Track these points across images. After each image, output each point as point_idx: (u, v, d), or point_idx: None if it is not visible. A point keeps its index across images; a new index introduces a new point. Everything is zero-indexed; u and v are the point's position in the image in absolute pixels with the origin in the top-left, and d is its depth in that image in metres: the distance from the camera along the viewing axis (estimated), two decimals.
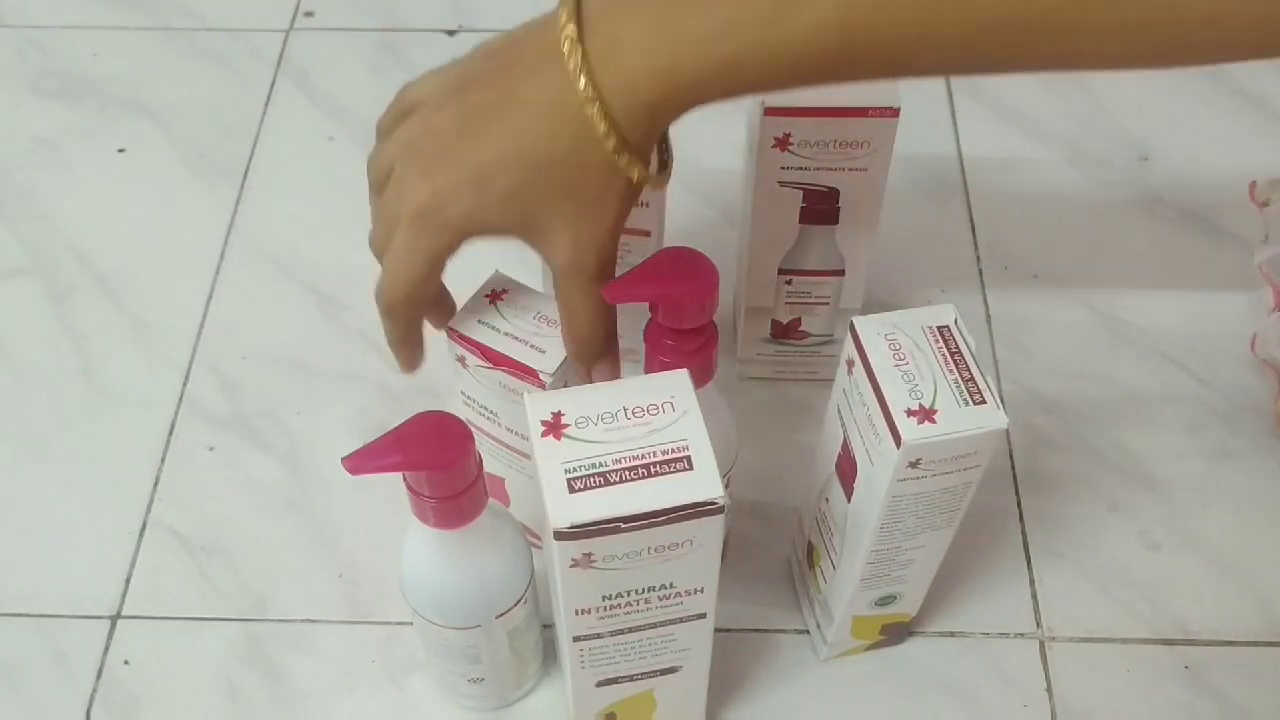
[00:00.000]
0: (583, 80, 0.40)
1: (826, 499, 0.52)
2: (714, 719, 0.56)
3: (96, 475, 0.64)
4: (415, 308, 0.47)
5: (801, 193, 0.56)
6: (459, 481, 0.44)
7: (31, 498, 0.63)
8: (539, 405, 0.43)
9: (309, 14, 0.87)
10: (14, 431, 0.66)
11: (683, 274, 0.46)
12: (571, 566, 0.41)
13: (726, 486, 0.46)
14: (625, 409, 0.42)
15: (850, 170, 0.55)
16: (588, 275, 0.45)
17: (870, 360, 0.45)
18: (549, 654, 0.57)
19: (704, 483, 0.41)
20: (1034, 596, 0.60)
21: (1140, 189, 0.76)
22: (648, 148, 0.43)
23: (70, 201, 0.76)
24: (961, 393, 0.44)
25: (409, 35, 0.86)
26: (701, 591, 0.45)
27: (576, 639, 0.45)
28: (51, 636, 0.58)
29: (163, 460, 0.64)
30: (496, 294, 0.51)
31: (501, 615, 0.50)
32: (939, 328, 0.46)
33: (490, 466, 0.55)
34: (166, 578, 0.60)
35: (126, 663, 0.58)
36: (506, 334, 0.50)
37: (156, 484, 0.64)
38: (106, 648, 0.58)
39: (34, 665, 0.57)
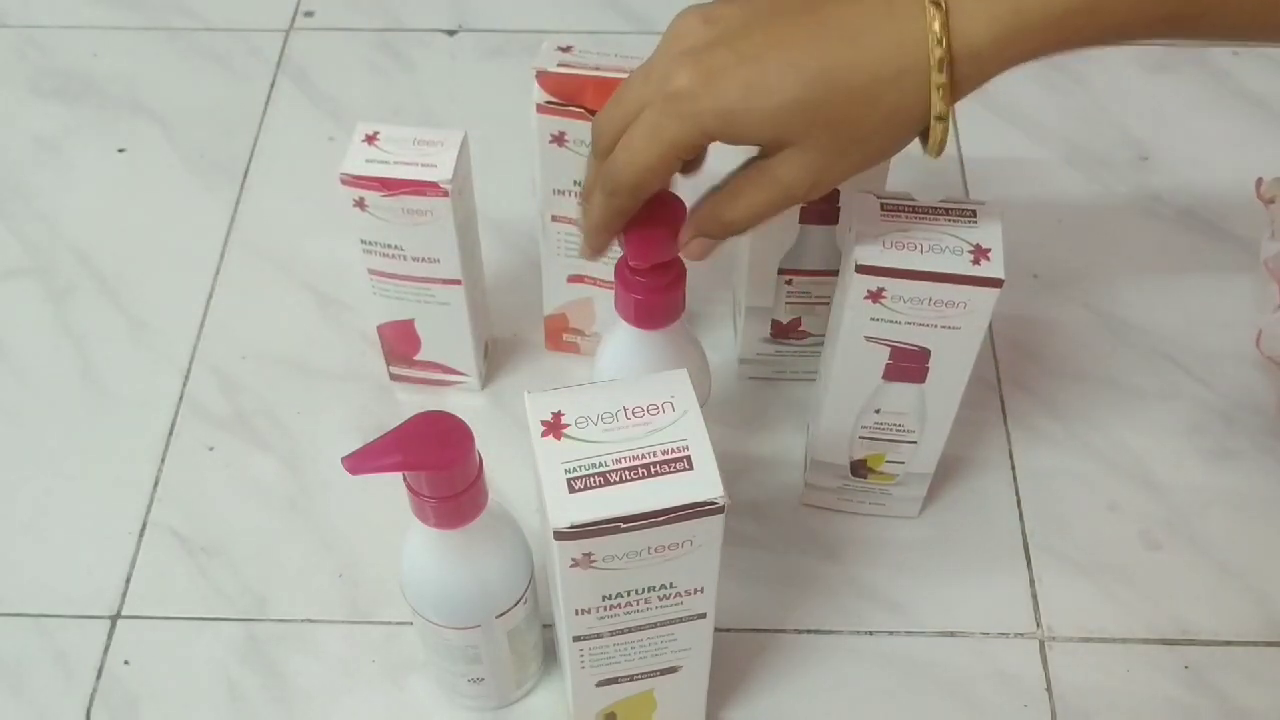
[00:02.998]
0: (934, 11, 0.40)
1: (877, 410, 0.55)
2: (714, 719, 0.56)
3: (96, 475, 0.64)
4: (637, 195, 0.45)
5: None
6: (459, 481, 0.44)
7: (31, 498, 0.63)
8: (539, 405, 0.43)
9: (309, 14, 0.87)
10: (14, 431, 0.66)
11: (652, 209, 0.47)
12: (571, 566, 0.41)
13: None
14: (625, 409, 0.42)
15: None
16: (799, 197, 0.44)
17: (901, 269, 0.48)
18: (549, 654, 0.57)
19: (704, 483, 0.41)
20: (1034, 596, 0.60)
21: (1140, 189, 0.76)
22: (958, 97, 0.42)
23: (70, 201, 0.76)
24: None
25: (409, 35, 0.85)
26: (701, 591, 0.45)
27: (576, 639, 0.45)
28: (51, 636, 0.58)
29: (163, 460, 0.64)
30: (371, 136, 0.57)
31: (501, 615, 0.50)
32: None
33: (398, 313, 0.62)
34: (166, 578, 0.60)
35: (126, 663, 0.58)
36: (396, 163, 0.56)
37: (156, 484, 0.64)
38: (106, 648, 0.58)
39: (34, 665, 0.57)
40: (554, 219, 0.60)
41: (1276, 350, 0.66)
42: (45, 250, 0.73)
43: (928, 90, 0.42)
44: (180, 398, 0.67)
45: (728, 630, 0.58)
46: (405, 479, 0.44)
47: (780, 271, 0.61)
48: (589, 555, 0.41)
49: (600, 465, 0.41)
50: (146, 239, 0.74)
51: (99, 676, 0.57)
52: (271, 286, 0.72)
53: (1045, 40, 0.41)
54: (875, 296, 0.49)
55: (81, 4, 0.87)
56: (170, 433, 0.65)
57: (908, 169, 0.76)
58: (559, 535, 0.40)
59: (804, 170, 0.43)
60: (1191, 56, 0.83)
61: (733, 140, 0.43)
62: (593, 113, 0.54)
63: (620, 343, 0.52)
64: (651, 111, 0.43)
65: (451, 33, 0.86)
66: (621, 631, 0.46)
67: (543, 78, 0.54)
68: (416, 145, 0.56)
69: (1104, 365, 0.68)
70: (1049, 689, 0.57)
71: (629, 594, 0.44)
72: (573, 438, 0.42)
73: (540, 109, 0.55)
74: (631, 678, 0.49)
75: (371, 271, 0.60)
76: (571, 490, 0.41)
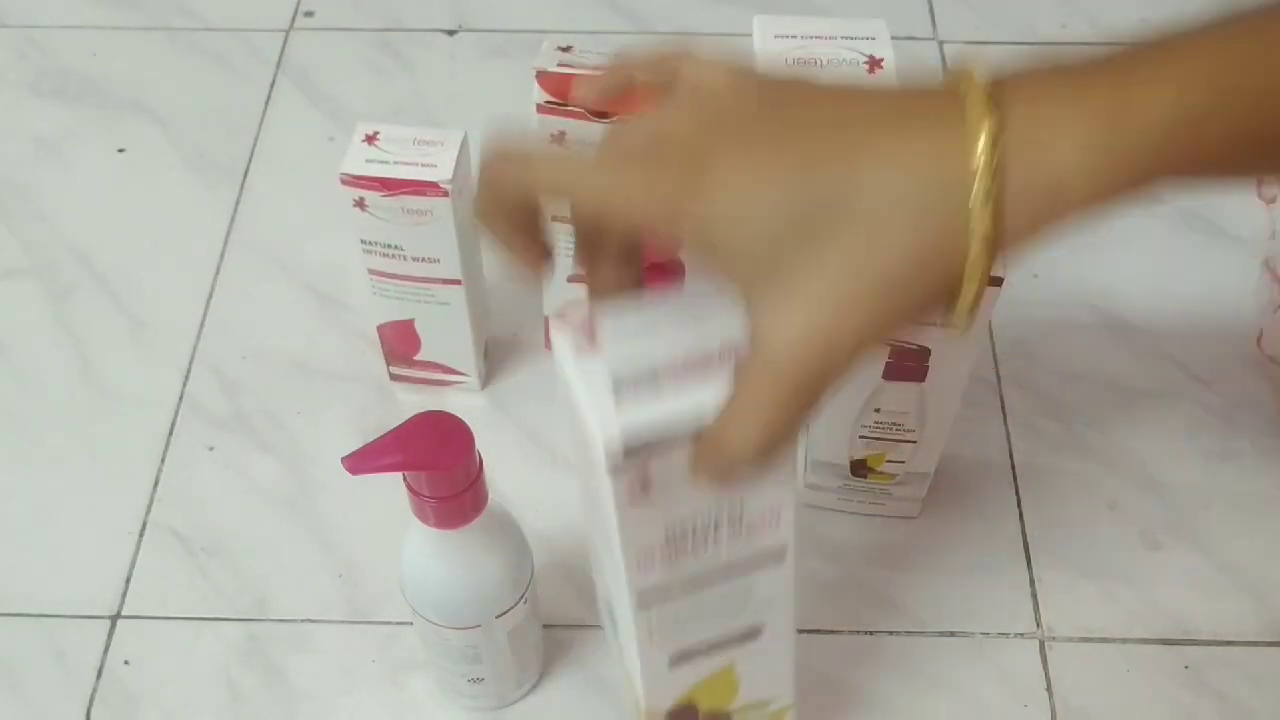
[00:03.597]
0: (983, 164, 0.31)
1: (876, 409, 0.54)
2: None
3: (96, 475, 0.64)
4: (569, 205, 0.37)
5: None
6: (459, 481, 0.44)
7: (31, 498, 0.63)
8: (569, 316, 0.38)
9: (309, 14, 0.87)
10: (14, 431, 0.66)
11: None
12: (627, 498, 0.37)
13: None
14: (665, 316, 0.38)
15: None
16: (814, 369, 0.33)
17: None
18: (549, 654, 0.57)
19: None
20: (1034, 596, 0.60)
21: None
22: (1020, 240, 0.32)
23: (70, 201, 0.76)
24: None
25: (409, 35, 0.85)
26: (778, 519, 0.40)
27: (642, 602, 0.40)
28: (51, 636, 0.58)
29: (163, 460, 0.64)
30: (371, 136, 0.57)
31: (501, 615, 0.50)
32: None
33: (398, 313, 0.62)
34: (166, 578, 0.60)
35: (126, 663, 0.58)
36: (396, 163, 0.56)
37: (156, 484, 0.64)
38: (106, 648, 0.58)
39: (34, 665, 0.57)
40: (554, 219, 0.60)
41: (1277, 350, 0.66)
42: (45, 250, 0.73)
43: (970, 208, 0.31)
44: (180, 398, 0.67)
45: None
46: (405, 479, 0.44)
47: None
48: (645, 481, 0.37)
49: (649, 370, 0.36)
50: (146, 239, 0.74)
51: (99, 676, 0.57)
52: (271, 286, 0.72)
53: (1141, 173, 0.32)
54: None
55: (81, 4, 0.87)
56: (170, 433, 0.65)
57: None
58: (611, 457, 0.35)
59: (811, 315, 0.32)
60: None
61: (708, 254, 0.34)
62: (592, 113, 0.54)
63: None
64: (649, 161, 0.34)
65: (451, 33, 0.86)
66: (693, 586, 0.41)
67: (543, 78, 0.54)
68: (416, 145, 0.56)
69: (1104, 365, 0.68)
70: (1049, 689, 0.57)
71: (695, 528, 0.39)
72: (611, 347, 0.37)
73: (540, 109, 0.55)
74: (710, 648, 0.44)
75: (371, 271, 0.60)
76: (620, 405, 0.35)
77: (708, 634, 0.43)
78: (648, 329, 0.37)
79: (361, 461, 0.42)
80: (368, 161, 0.56)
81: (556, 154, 0.37)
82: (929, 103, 0.33)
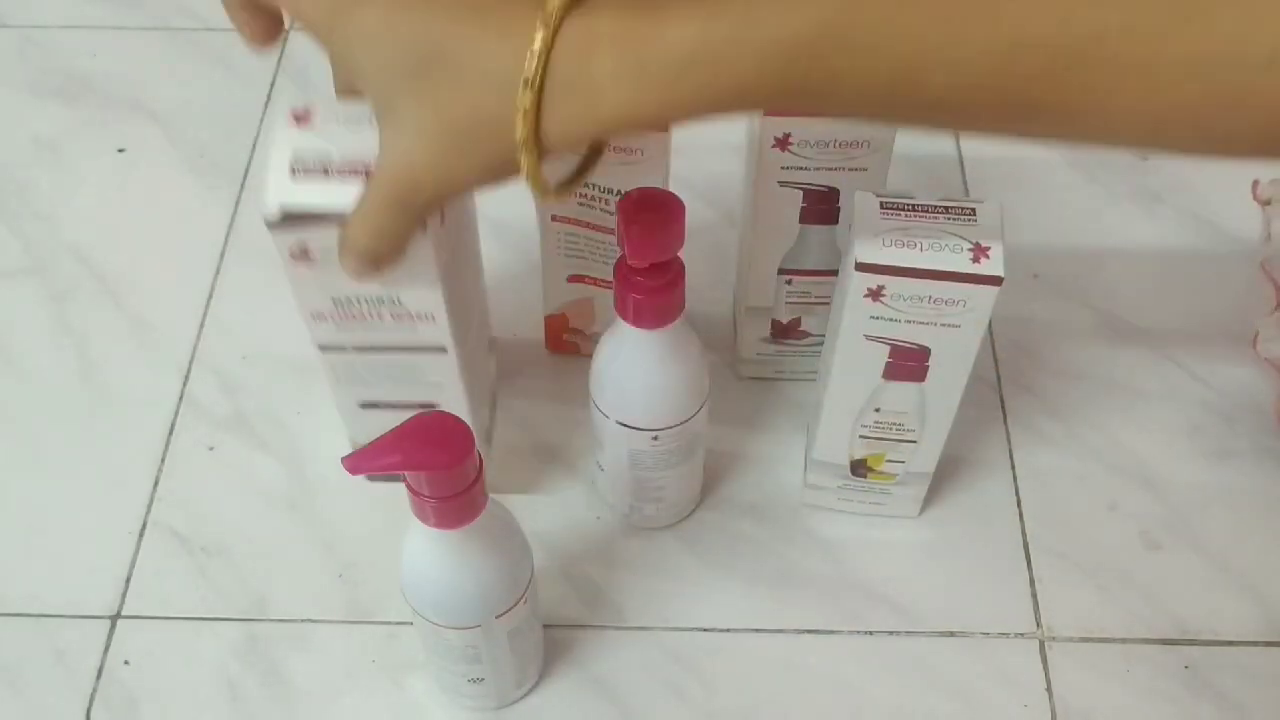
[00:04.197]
0: (533, 64, 0.37)
1: (877, 409, 0.55)
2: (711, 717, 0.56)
3: (96, 475, 0.64)
4: None
5: (801, 193, 0.57)
6: (459, 481, 0.44)
7: (31, 498, 0.63)
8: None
9: None
10: (14, 431, 0.66)
11: (652, 208, 0.48)
12: (290, 257, 0.47)
13: (697, 411, 0.53)
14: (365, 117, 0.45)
15: (850, 170, 0.55)
16: (405, 188, 0.41)
17: (900, 267, 0.48)
18: (549, 654, 0.57)
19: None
20: (1034, 596, 0.60)
21: (1140, 189, 0.76)
22: (556, 141, 0.39)
23: (70, 201, 0.76)
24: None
25: None
26: (433, 319, 0.49)
27: (322, 347, 0.51)
28: (51, 636, 0.58)
29: (163, 460, 0.64)
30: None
31: (501, 615, 0.50)
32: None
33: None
34: (166, 578, 0.60)
35: (126, 663, 0.58)
36: None
37: (156, 484, 0.64)
38: (106, 648, 0.58)
39: (34, 665, 0.57)
40: (554, 219, 0.60)
41: (1273, 352, 0.66)
42: (45, 250, 0.73)
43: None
44: (180, 398, 0.67)
45: (727, 630, 0.58)
46: (405, 479, 0.44)
47: (780, 271, 0.61)
48: (305, 249, 0.46)
49: (324, 161, 0.45)
50: (146, 239, 0.74)
51: (99, 676, 0.57)
52: (271, 286, 0.71)
53: (666, 96, 0.37)
54: (875, 294, 0.49)
55: (81, 4, 0.87)
56: (170, 433, 0.65)
57: (908, 168, 0.76)
58: (269, 217, 0.45)
59: (404, 145, 0.40)
60: None
61: (352, 73, 0.40)
62: None
63: (620, 343, 0.52)
64: None
65: None
66: (366, 350, 0.51)
67: None
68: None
69: (1104, 365, 0.68)
70: (1049, 689, 0.57)
71: (360, 303, 0.49)
72: (319, 128, 0.46)
73: None
74: (392, 407, 0.52)
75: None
76: (292, 178, 0.45)
77: (387, 395, 0.54)
78: (352, 126, 0.45)
79: (361, 461, 0.42)
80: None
81: None
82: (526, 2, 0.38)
